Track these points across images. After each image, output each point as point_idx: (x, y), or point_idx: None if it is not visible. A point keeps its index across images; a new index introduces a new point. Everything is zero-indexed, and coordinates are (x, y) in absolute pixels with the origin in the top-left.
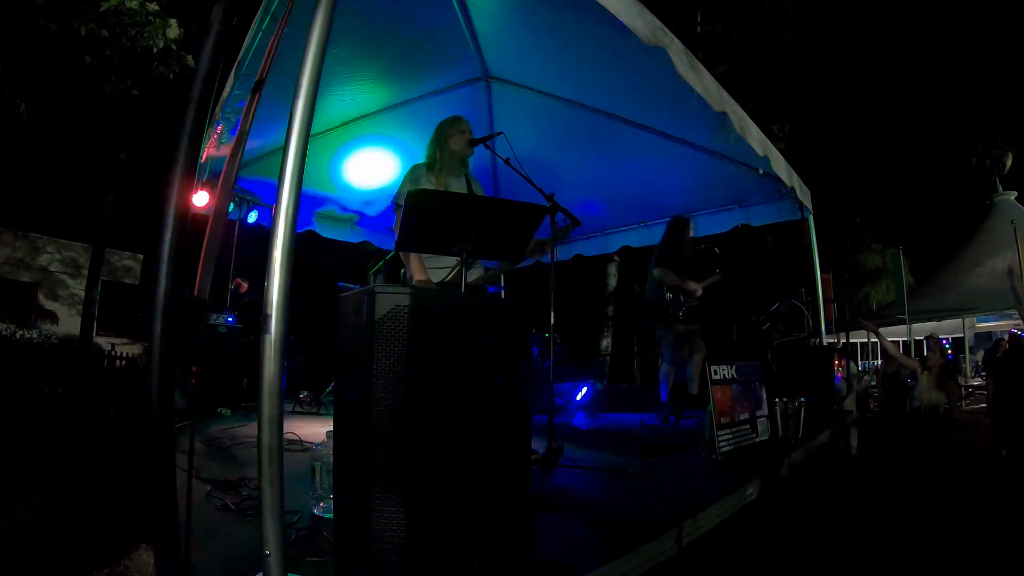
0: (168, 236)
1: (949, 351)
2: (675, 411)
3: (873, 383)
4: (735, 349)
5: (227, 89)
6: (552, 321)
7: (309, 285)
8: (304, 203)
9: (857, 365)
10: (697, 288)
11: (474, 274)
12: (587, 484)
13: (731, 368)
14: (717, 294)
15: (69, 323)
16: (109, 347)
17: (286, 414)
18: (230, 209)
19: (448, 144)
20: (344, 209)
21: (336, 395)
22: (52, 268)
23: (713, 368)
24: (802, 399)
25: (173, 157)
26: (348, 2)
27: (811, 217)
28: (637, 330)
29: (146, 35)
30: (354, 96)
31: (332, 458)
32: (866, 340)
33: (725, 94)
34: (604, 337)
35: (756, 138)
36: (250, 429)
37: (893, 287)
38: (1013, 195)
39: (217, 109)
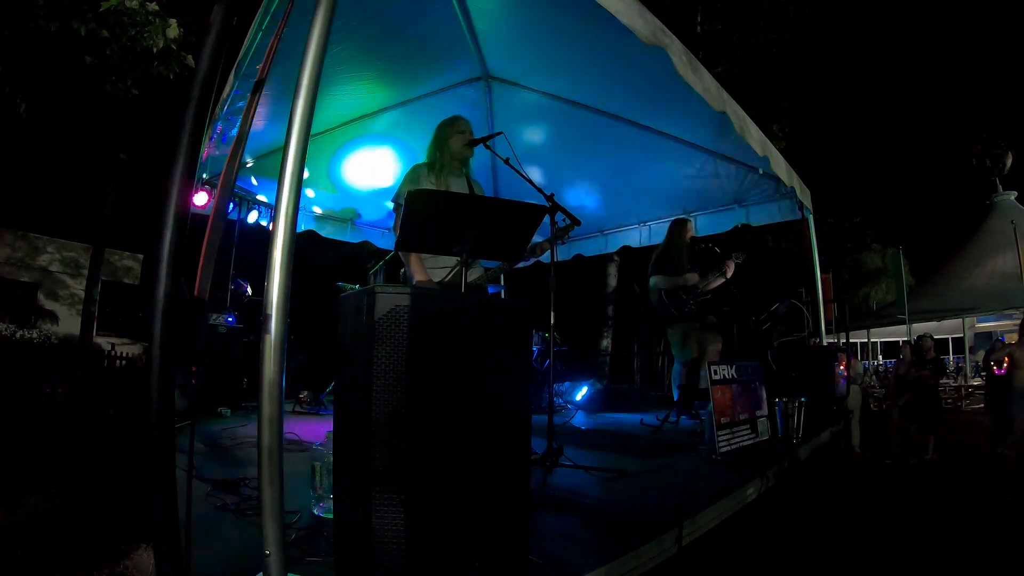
0: (168, 236)
1: None
2: (685, 411)
3: (874, 383)
4: (735, 349)
5: (227, 89)
6: (552, 321)
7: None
8: (304, 203)
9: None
10: (695, 278)
11: (474, 274)
12: (587, 484)
13: (731, 368)
14: (733, 287)
15: (69, 323)
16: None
17: (286, 414)
18: (230, 209)
19: (448, 144)
20: (344, 209)
21: (336, 395)
22: (52, 268)
23: (713, 368)
24: (802, 399)
25: (173, 157)
26: (348, 2)
27: (811, 217)
28: (637, 330)
29: (146, 35)
30: (354, 96)
31: (332, 458)
32: (866, 340)
33: (725, 94)
34: (604, 337)
35: (756, 138)
36: (250, 429)
37: (893, 287)
38: (1013, 195)
39: (217, 109)
